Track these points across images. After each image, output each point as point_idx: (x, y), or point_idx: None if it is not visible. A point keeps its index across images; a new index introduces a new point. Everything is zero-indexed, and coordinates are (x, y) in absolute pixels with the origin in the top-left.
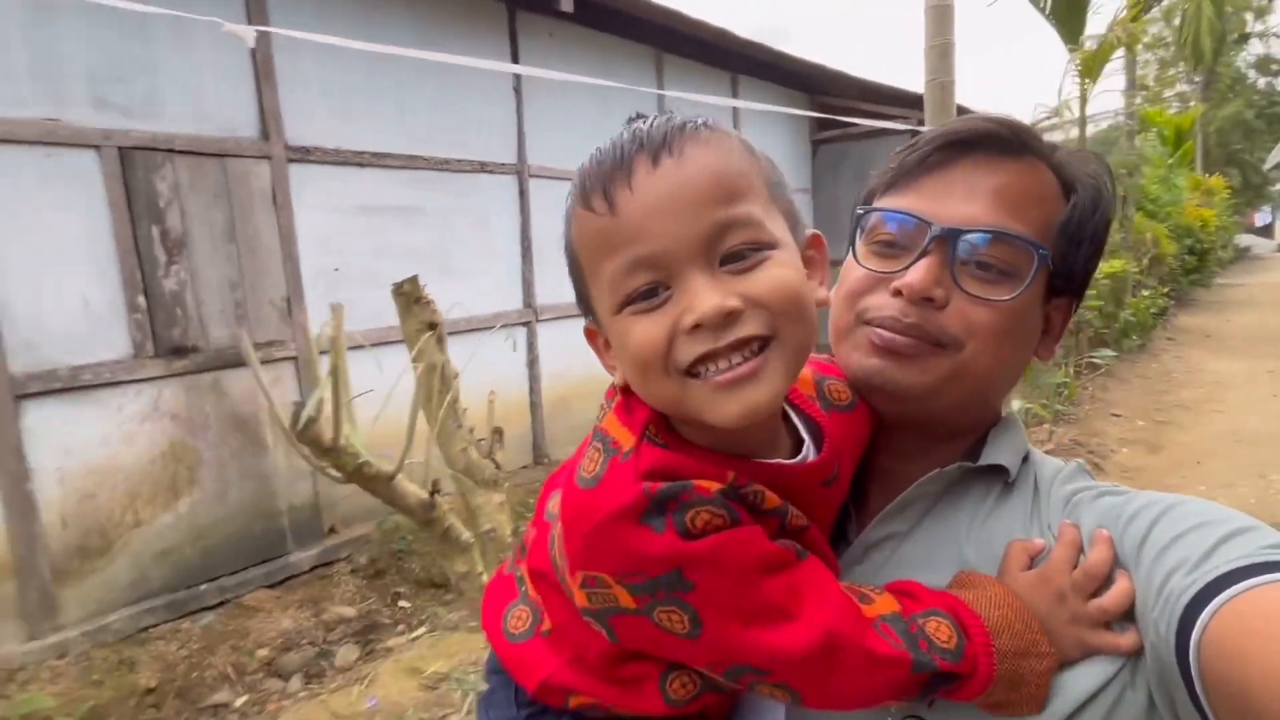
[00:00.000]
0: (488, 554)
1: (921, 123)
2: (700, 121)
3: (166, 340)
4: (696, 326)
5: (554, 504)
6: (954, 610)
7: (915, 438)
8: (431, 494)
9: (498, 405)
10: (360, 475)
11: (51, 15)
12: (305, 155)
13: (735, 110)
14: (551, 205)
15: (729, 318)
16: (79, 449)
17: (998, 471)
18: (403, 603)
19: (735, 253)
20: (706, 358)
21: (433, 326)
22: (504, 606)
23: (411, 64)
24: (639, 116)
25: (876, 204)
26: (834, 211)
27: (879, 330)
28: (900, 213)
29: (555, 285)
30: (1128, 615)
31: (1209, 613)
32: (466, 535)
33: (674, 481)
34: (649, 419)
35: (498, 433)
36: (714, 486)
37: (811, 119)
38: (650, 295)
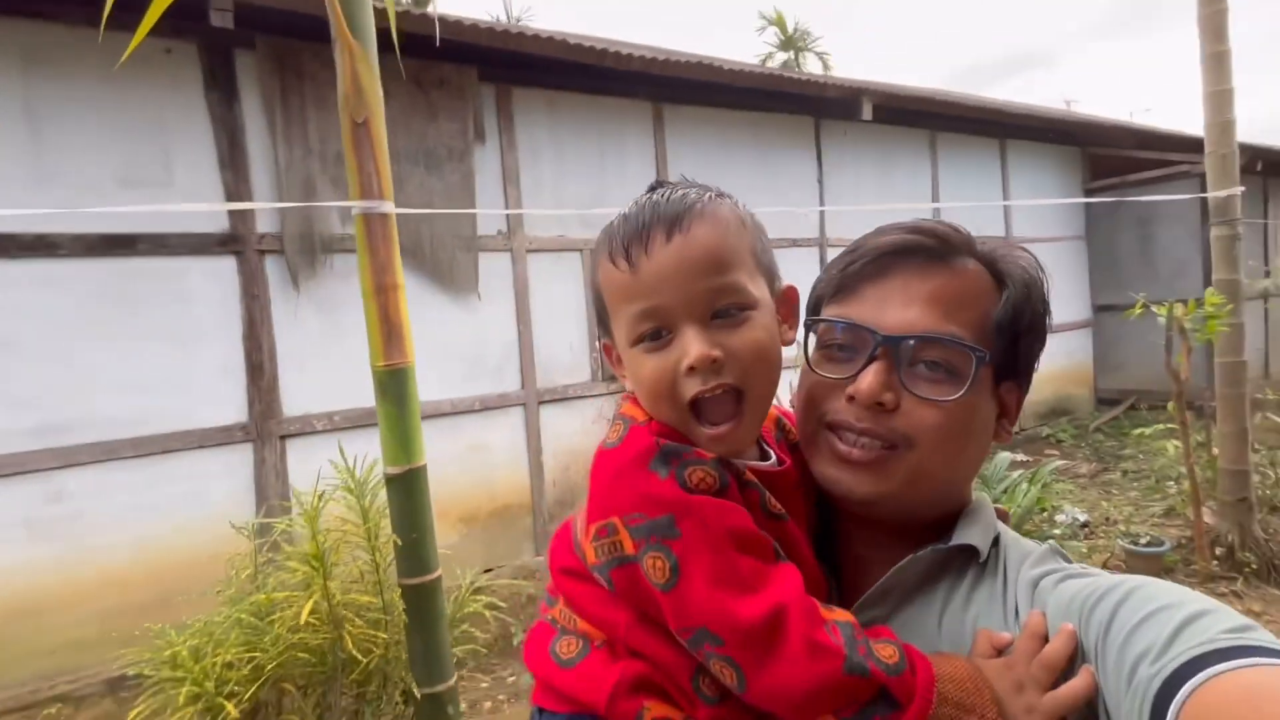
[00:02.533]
0: None
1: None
2: (707, 197)
3: (608, 370)
4: (691, 369)
5: (577, 510)
6: (909, 650)
7: (886, 529)
8: None
9: None
10: None
11: (561, 175)
12: None
13: (1004, 166)
14: None
15: (714, 363)
16: (563, 436)
17: (969, 553)
18: None
19: (723, 310)
20: (699, 403)
21: None
22: (548, 643)
23: (750, 173)
24: (659, 185)
25: (824, 312)
26: (1111, 258)
27: (839, 443)
28: (847, 322)
29: None
30: (1089, 709)
31: (1177, 704)
32: None
33: (679, 443)
34: None
35: None
36: (709, 454)
37: (1084, 168)
38: (656, 337)
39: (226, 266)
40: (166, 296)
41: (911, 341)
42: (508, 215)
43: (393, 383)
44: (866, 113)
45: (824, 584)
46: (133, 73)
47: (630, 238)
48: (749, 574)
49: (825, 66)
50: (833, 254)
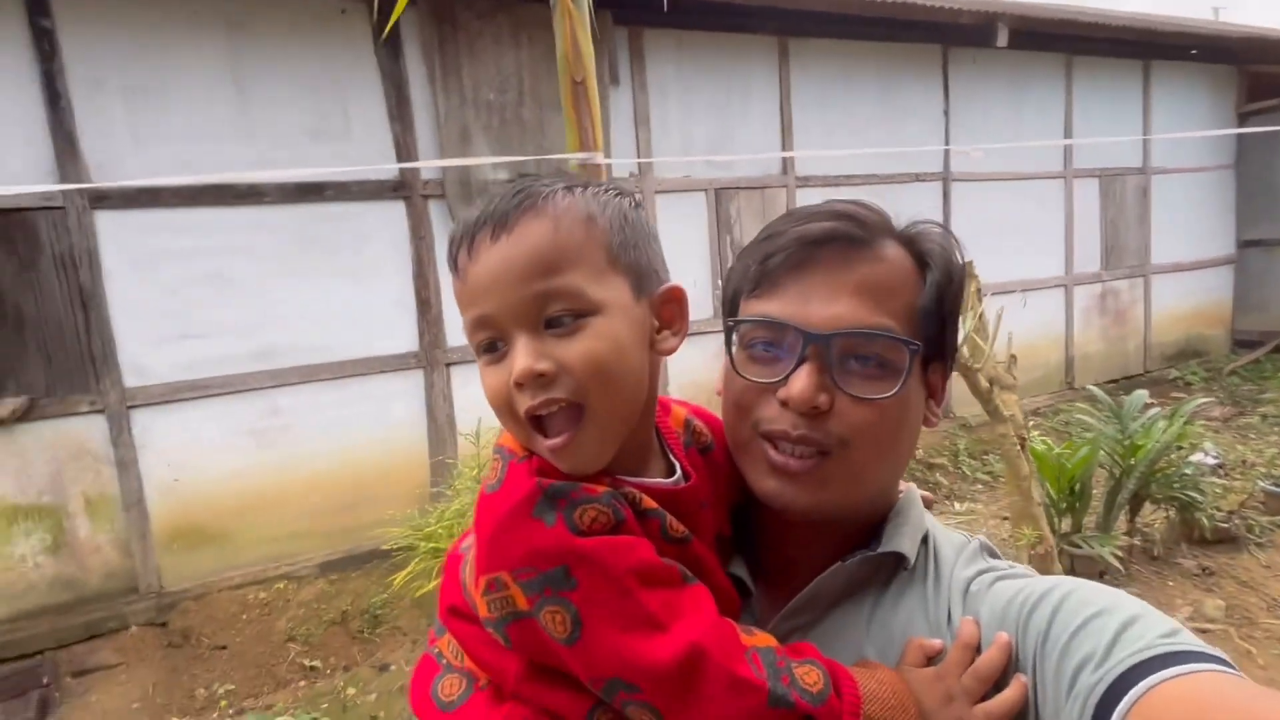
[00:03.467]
0: (1008, 429)
1: None
2: (549, 191)
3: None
4: (518, 384)
5: (467, 543)
6: (833, 670)
7: (814, 530)
8: (990, 384)
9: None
10: (962, 368)
11: (688, 114)
12: (805, 182)
13: (1146, 89)
14: (970, 203)
15: (541, 378)
16: (689, 371)
17: (897, 557)
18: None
19: (556, 319)
20: (536, 419)
21: (976, 289)
22: (430, 682)
23: (873, 107)
24: (523, 176)
25: (744, 310)
26: (1265, 188)
27: (774, 453)
28: (771, 320)
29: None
30: (1020, 717)
31: (1120, 715)
32: (1004, 412)
33: (565, 481)
34: None
35: (1013, 358)
36: (600, 488)
37: (1240, 88)
38: (492, 348)
39: (397, 211)
40: (350, 237)
41: (841, 338)
42: (638, 156)
43: None
44: (1002, 39)
45: (736, 602)
46: (313, 33)
47: (459, 241)
48: (658, 611)
49: None
50: (959, 189)
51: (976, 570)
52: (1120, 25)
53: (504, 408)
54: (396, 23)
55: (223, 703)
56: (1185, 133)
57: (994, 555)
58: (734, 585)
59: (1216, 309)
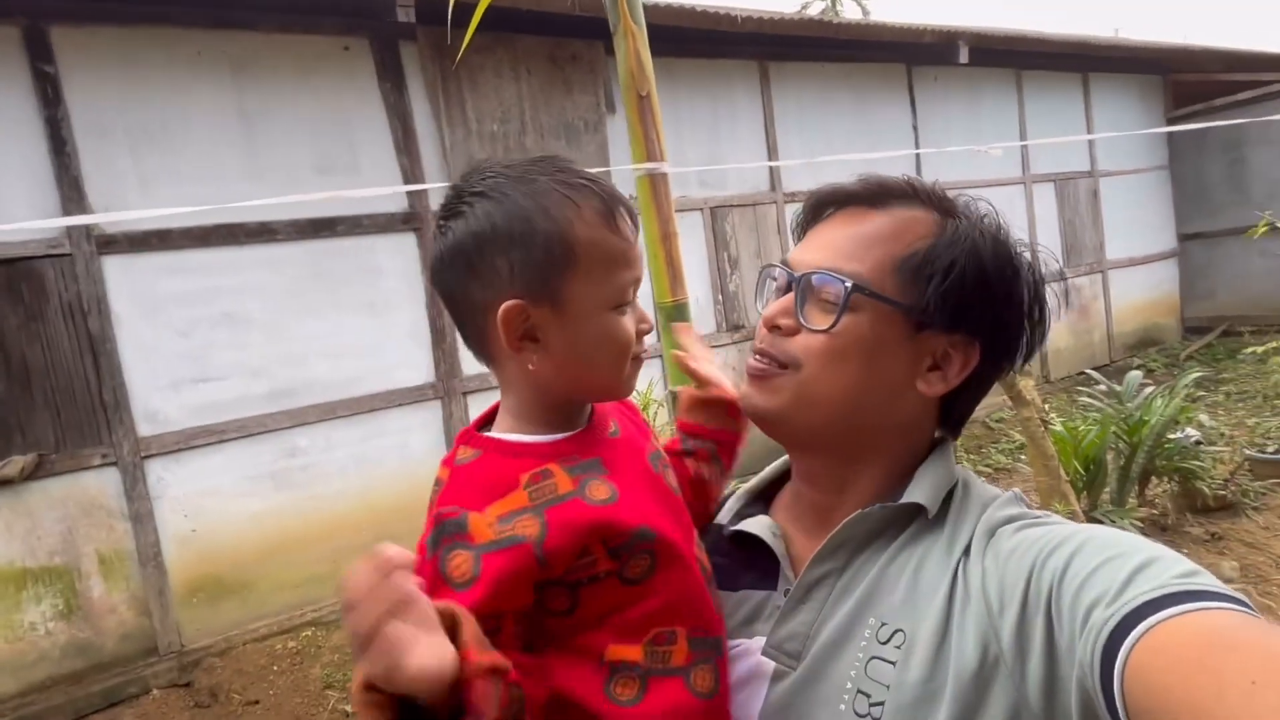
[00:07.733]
0: (1031, 412)
1: None
2: None
3: (731, 321)
4: (642, 332)
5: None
6: None
7: (821, 465)
8: None
9: None
10: None
11: (679, 138)
12: (791, 198)
13: (1087, 99)
14: None
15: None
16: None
17: (918, 509)
18: None
19: None
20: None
21: None
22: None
23: (849, 125)
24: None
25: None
26: (1198, 186)
27: (750, 360)
28: (779, 263)
29: None
30: (1049, 651)
31: (1128, 646)
32: (1026, 395)
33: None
34: (477, 436)
35: None
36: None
37: (1166, 96)
38: (626, 304)
39: (408, 242)
40: (362, 271)
41: (804, 278)
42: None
43: (678, 314)
44: (963, 56)
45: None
46: (318, 71)
47: (623, 211)
48: None
49: (864, 11)
50: None
51: (1008, 515)
52: (1063, 40)
53: (629, 348)
54: (399, 58)
55: None
56: (1119, 132)
57: (1027, 505)
58: (754, 546)
59: (1167, 300)
